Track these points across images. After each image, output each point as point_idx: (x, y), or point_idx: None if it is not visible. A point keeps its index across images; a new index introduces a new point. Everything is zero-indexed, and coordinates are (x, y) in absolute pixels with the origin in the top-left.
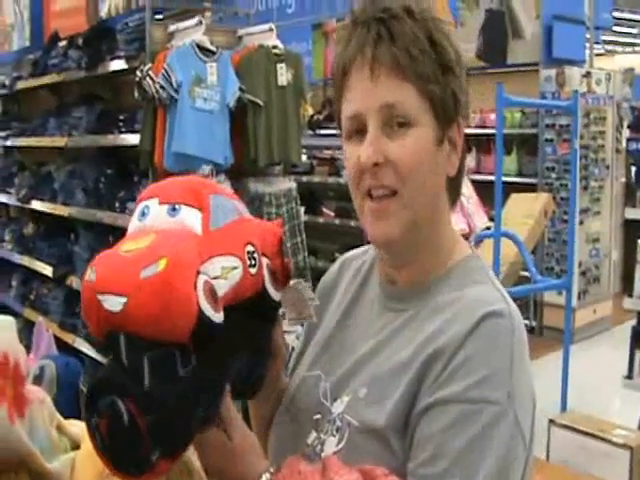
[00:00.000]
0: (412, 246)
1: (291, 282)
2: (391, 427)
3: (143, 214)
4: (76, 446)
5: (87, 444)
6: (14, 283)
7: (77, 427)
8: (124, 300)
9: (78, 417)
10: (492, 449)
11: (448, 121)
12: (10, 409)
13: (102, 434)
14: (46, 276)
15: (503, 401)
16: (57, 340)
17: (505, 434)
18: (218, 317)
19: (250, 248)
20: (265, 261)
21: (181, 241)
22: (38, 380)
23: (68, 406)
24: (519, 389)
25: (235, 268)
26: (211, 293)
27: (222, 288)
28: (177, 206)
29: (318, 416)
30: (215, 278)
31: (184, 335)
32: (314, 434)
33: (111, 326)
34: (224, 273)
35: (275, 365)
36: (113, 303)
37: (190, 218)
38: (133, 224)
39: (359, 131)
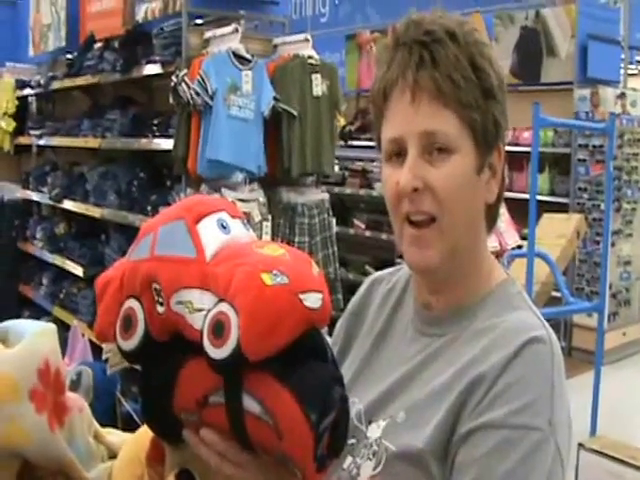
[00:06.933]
0: (450, 272)
1: None
2: (431, 452)
3: (224, 227)
4: (113, 455)
5: (124, 453)
6: (45, 281)
7: (114, 436)
8: (321, 296)
9: (114, 425)
10: (534, 476)
11: (489, 148)
12: (50, 417)
13: (328, 432)
14: (76, 275)
15: (545, 428)
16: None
17: (547, 461)
18: None
19: None
20: None
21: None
22: (75, 386)
23: (104, 414)
24: (559, 416)
25: None
26: None
27: None
28: (244, 221)
29: (353, 440)
30: None
31: None
32: (350, 459)
33: (309, 324)
34: None
35: None
36: (314, 300)
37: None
38: (216, 235)
39: (399, 154)
